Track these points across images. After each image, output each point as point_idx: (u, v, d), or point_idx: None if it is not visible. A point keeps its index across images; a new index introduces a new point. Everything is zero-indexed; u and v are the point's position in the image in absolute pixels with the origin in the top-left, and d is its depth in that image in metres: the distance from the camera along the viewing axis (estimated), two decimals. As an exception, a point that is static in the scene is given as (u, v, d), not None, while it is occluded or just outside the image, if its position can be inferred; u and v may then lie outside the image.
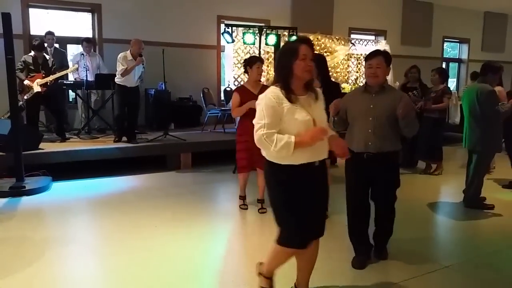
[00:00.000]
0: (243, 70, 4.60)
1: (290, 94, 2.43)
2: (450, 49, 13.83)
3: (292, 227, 2.50)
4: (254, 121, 2.45)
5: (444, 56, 13.10)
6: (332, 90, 4.67)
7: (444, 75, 6.54)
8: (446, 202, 5.31)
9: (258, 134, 2.41)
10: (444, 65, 12.89)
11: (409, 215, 4.60)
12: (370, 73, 3.20)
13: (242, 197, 4.80)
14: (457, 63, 13.55)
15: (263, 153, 2.54)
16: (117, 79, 6.48)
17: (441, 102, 6.33)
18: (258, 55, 5.22)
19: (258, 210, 4.62)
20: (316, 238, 2.63)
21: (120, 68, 6.35)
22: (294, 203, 2.47)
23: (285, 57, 2.47)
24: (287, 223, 2.52)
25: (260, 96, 2.50)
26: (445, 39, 12.84)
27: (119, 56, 6.44)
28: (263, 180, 4.19)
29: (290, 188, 2.47)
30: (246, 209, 4.71)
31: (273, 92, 2.43)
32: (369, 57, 3.24)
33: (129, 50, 6.44)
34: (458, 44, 13.53)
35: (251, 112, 4.00)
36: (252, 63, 4.43)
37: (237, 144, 4.58)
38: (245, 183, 4.72)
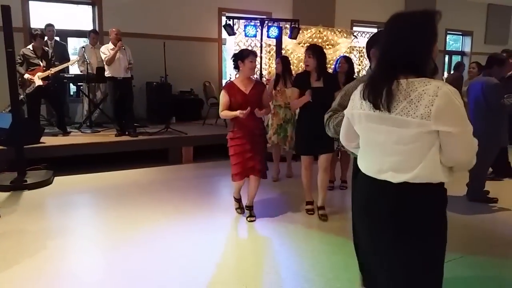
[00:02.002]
0: (234, 65, 4.07)
1: None
2: (453, 42, 13.74)
3: None
4: (456, 129, 1.63)
5: (447, 49, 13.02)
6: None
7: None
8: (449, 196, 5.28)
9: (473, 143, 1.79)
10: (446, 58, 12.83)
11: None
12: None
13: (238, 200, 4.45)
14: (460, 56, 13.47)
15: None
16: (106, 72, 6.53)
17: None
18: (251, 49, 5.14)
19: (247, 218, 4.24)
20: None
21: (103, 57, 6.44)
22: None
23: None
24: None
25: (431, 91, 1.60)
26: (448, 32, 12.75)
27: (101, 48, 6.57)
28: (256, 187, 4.19)
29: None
30: (242, 213, 4.36)
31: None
32: None
33: (109, 42, 6.53)
34: (461, 36, 13.44)
35: (249, 115, 3.83)
36: (244, 57, 3.93)
37: (229, 149, 4.09)
38: (241, 187, 4.30)
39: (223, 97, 4.00)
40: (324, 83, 4.08)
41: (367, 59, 2.95)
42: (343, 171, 5.39)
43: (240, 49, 4.08)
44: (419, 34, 1.68)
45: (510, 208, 4.70)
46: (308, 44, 4.44)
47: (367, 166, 1.84)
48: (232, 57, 4.11)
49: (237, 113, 3.79)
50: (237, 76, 4.15)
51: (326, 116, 2.57)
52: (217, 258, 3.41)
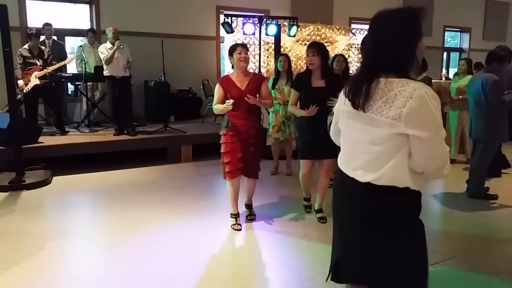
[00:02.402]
0: (230, 60, 3.92)
1: None
2: (450, 39, 13.73)
3: None
4: (424, 134, 1.55)
5: (445, 45, 13.01)
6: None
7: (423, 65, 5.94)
8: (449, 192, 5.28)
9: (444, 151, 1.64)
10: (445, 55, 12.82)
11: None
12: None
13: (235, 215, 4.02)
14: (458, 53, 13.46)
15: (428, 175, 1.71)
16: (105, 71, 6.51)
17: None
18: (241, 43, 5.07)
19: (247, 217, 4.16)
20: None
21: (102, 57, 6.41)
22: None
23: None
24: None
25: (407, 92, 1.56)
26: (446, 28, 12.73)
27: (99, 48, 6.55)
28: (253, 186, 4.10)
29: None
30: (240, 229, 3.91)
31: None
32: None
33: (107, 41, 6.50)
34: (459, 33, 13.42)
35: (242, 107, 3.71)
36: (232, 51, 3.79)
37: (222, 146, 3.86)
38: (236, 194, 3.96)
39: (218, 91, 3.82)
40: (326, 83, 3.88)
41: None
42: None
43: (234, 43, 3.92)
44: (402, 32, 1.63)
45: (510, 205, 4.69)
46: (310, 42, 4.24)
47: (342, 161, 1.85)
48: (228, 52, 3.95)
49: (225, 106, 3.60)
50: (234, 71, 3.94)
51: (329, 119, 2.50)
52: (217, 258, 3.40)
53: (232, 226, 3.94)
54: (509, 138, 4.96)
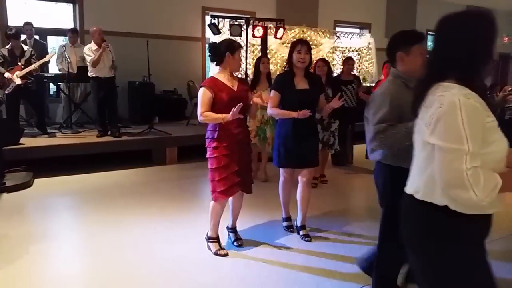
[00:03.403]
0: (215, 58, 3.34)
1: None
2: (431, 43, 13.94)
3: None
4: (441, 144, 1.44)
5: (428, 49, 13.22)
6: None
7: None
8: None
9: (457, 169, 1.40)
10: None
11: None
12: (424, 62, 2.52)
13: (215, 239, 3.50)
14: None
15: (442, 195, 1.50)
16: (90, 72, 6.41)
17: None
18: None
19: (233, 242, 3.61)
20: None
21: (88, 59, 6.31)
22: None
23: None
24: None
25: (444, 98, 1.46)
26: (429, 32, 12.92)
27: (84, 49, 6.45)
28: (241, 204, 3.54)
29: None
30: (227, 254, 3.41)
31: (470, 95, 1.46)
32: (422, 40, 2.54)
33: (92, 42, 6.41)
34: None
35: (236, 120, 3.20)
36: (235, 49, 3.30)
37: (213, 160, 3.30)
38: (221, 215, 3.47)
39: (205, 95, 3.21)
40: (309, 85, 3.61)
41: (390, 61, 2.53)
42: (322, 166, 5.44)
43: (225, 39, 3.43)
44: (479, 33, 1.51)
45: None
46: (297, 39, 3.88)
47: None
48: (214, 48, 3.33)
49: (226, 116, 3.11)
50: (219, 71, 3.38)
51: (379, 128, 2.26)
52: (204, 261, 3.35)
53: (218, 253, 3.40)
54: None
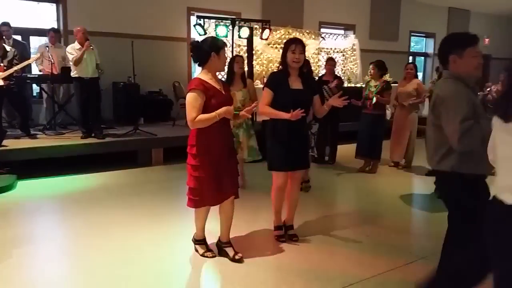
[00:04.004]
0: (199, 58, 3.16)
1: None
2: (415, 44, 14.14)
3: None
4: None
5: (411, 50, 13.40)
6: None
7: (383, 68, 6.13)
8: (418, 194, 5.43)
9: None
10: (410, 59, 13.20)
11: (387, 207, 4.71)
12: (479, 64, 2.44)
13: (203, 241, 3.44)
14: (423, 57, 13.89)
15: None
16: (73, 73, 6.36)
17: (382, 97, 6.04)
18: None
19: (234, 257, 3.29)
20: None
21: (70, 57, 6.25)
22: None
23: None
24: None
25: None
26: (412, 34, 13.12)
27: (67, 48, 6.39)
28: (233, 211, 3.32)
29: None
30: (216, 256, 3.36)
31: None
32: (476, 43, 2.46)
33: (75, 42, 6.34)
34: (424, 38, 13.86)
35: (221, 120, 3.06)
36: (220, 48, 3.13)
37: (193, 170, 3.12)
38: (205, 219, 3.38)
39: (197, 99, 3.01)
40: (303, 85, 3.53)
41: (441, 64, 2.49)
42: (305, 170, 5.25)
43: (207, 38, 3.21)
44: None
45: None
46: (291, 38, 3.75)
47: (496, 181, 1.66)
48: (197, 48, 3.14)
49: (219, 112, 3.00)
50: (203, 72, 3.17)
51: (465, 127, 2.18)
52: (192, 263, 3.34)
53: (204, 255, 3.34)
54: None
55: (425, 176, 6.00)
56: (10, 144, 5.80)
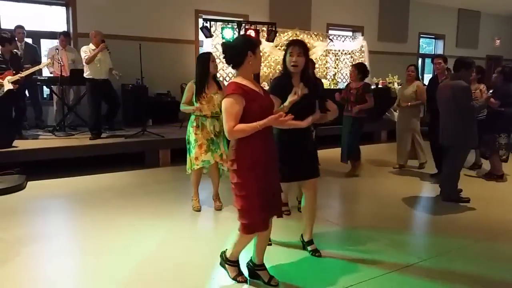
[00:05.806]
0: (235, 59, 2.74)
1: None
2: (426, 45, 14.07)
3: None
4: None
5: (420, 52, 13.32)
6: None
7: (364, 71, 6.05)
8: (423, 196, 5.41)
9: None
10: (420, 61, 13.13)
11: (388, 210, 4.71)
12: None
13: (235, 263, 3.08)
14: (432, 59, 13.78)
15: None
16: (86, 73, 6.43)
17: (364, 100, 5.91)
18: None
19: (269, 282, 2.97)
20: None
21: (84, 56, 6.32)
22: None
23: None
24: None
25: None
26: (421, 35, 13.05)
27: (82, 47, 6.46)
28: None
29: None
30: (246, 282, 3.02)
31: None
32: None
33: (90, 44, 6.44)
34: (434, 40, 13.77)
35: (265, 129, 2.64)
36: (255, 46, 2.75)
37: (241, 186, 2.72)
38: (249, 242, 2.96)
39: (233, 106, 2.61)
40: (308, 89, 3.09)
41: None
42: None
43: (239, 36, 2.79)
44: None
45: (481, 208, 4.82)
46: (291, 40, 3.49)
47: None
48: (231, 48, 2.75)
49: (263, 122, 2.58)
50: (239, 74, 2.77)
51: None
52: (196, 264, 3.38)
53: (237, 279, 3.04)
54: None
55: (430, 177, 6.00)
56: (20, 145, 5.90)
